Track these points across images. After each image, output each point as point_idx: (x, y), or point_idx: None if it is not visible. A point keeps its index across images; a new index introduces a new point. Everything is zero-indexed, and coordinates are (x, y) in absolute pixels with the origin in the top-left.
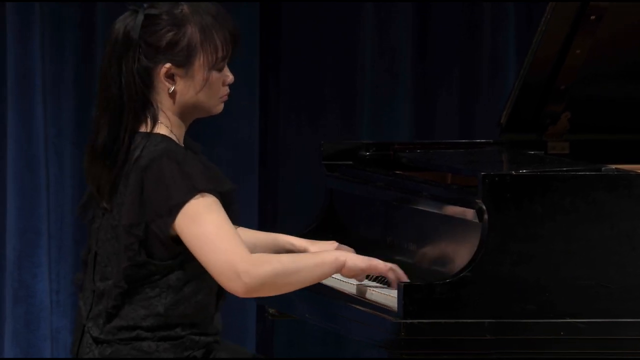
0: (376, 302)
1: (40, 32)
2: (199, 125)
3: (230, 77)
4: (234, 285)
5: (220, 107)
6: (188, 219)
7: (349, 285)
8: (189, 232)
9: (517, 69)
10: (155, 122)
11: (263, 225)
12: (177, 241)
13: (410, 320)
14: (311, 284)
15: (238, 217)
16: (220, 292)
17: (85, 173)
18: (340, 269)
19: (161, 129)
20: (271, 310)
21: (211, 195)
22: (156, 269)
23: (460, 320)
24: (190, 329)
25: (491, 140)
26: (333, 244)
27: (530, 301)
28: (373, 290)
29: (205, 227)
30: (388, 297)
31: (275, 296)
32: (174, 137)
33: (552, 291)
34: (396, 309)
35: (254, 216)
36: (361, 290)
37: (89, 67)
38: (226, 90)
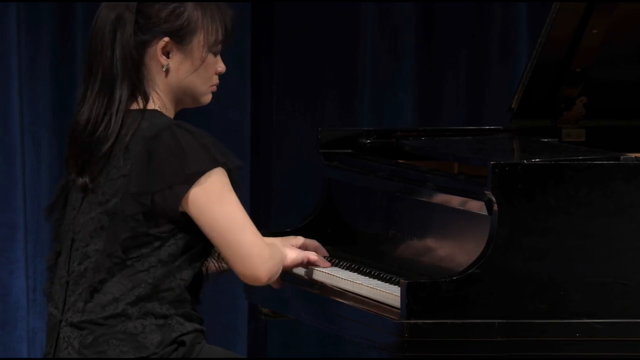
0: (376, 301)
1: (16, 12)
2: (185, 111)
3: (222, 67)
4: (261, 269)
5: (208, 97)
6: (211, 194)
7: (347, 283)
8: (214, 210)
9: (530, 50)
10: (147, 100)
11: (255, 218)
12: (182, 215)
13: (414, 321)
14: None
15: (246, 206)
16: (197, 281)
17: (67, 150)
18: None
19: (157, 108)
20: (264, 310)
21: (225, 172)
22: (149, 243)
23: (468, 321)
24: (175, 310)
25: (501, 127)
26: (298, 239)
27: (543, 300)
28: (372, 287)
29: (232, 206)
30: (390, 295)
31: (269, 294)
32: None
33: (567, 289)
34: (399, 308)
35: (245, 208)
36: (360, 287)
37: (67, 49)
38: (217, 79)
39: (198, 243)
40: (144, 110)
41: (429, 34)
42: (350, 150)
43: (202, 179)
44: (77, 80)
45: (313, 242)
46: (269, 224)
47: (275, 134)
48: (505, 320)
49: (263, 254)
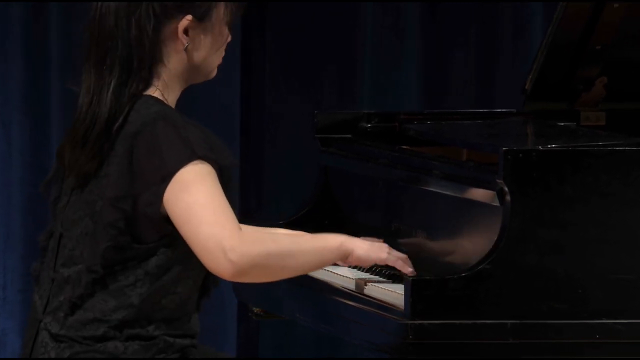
0: (377, 300)
1: None
2: None
3: (229, 36)
4: (220, 264)
5: (215, 72)
6: (178, 186)
7: (346, 280)
8: (176, 201)
9: (545, 26)
10: (148, 84)
11: (245, 210)
12: (167, 220)
13: (419, 321)
14: (309, 271)
15: (235, 199)
16: (204, 289)
17: (65, 141)
18: (345, 257)
19: (154, 92)
20: (256, 309)
21: (209, 165)
22: (135, 254)
23: (478, 321)
24: (165, 328)
25: (514, 110)
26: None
27: (560, 299)
28: (373, 285)
29: (196, 195)
30: (393, 293)
31: (261, 293)
32: (165, 102)
33: (585, 287)
34: (402, 308)
35: (234, 199)
36: (359, 285)
37: (40, 25)
38: (224, 52)
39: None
40: (137, 97)
41: (435, 9)
42: (349, 135)
43: (178, 175)
44: (50, 58)
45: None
46: (260, 215)
47: (268, 117)
48: (518, 321)
49: (222, 247)
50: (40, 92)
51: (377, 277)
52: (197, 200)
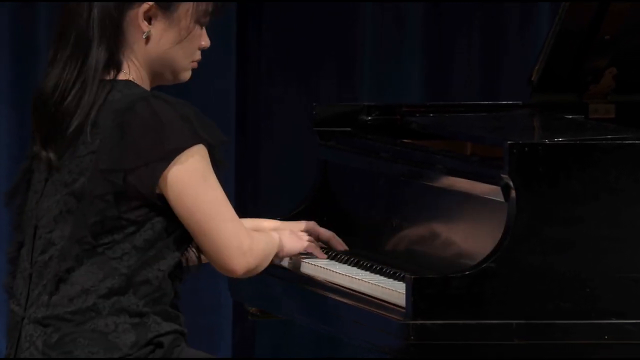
0: (378, 299)
1: None
2: (161, 85)
3: (207, 41)
4: (237, 262)
5: (188, 74)
6: (192, 175)
7: (345, 278)
8: (193, 193)
9: (552, 15)
10: (120, 69)
11: (241, 205)
12: (159, 197)
13: (421, 321)
14: None
15: (227, 182)
16: (175, 272)
17: (32, 120)
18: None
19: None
20: (252, 309)
21: (206, 149)
22: (122, 227)
23: (482, 322)
24: (152, 306)
25: (520, 102)
26: (300, 224)
27: (567, 298)
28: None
29: (215, 190)
30: (394, 292)
31: (258, 292)
32: None
33: (594, 286)
34: (404, 307)
35: (229, 195)
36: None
37: (28, 13)
38: (199, 55)
39: (176, 229)
40: (115, 80)
41: None
42: (349, 129)
43: (183, 156)
44: (39, 48)
45: (326, 232)
46: (255, 211)
47: (264, 110)
48: (523, 321)
49: (242, 246)
50: (28, 83)
51: (377, 275)
52: (217, 196)
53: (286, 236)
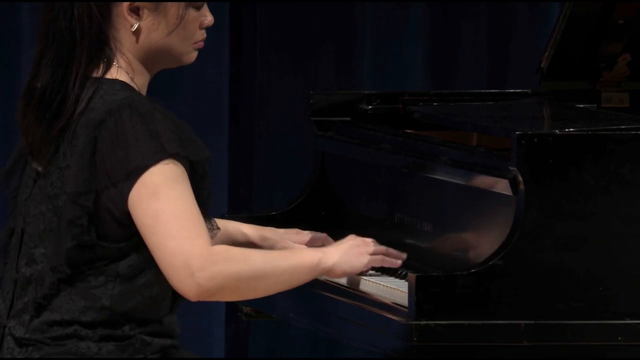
0: (378, 298)
1: None
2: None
3: (209, 19)
4: (186, 284)
5: (193, 56)
6: (145, 189)
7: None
8: (142, 206)
9: None
10: (109, 65)
11: (234, 200)
12: (131, 218)
13: (425, 322)
14: (284, 290)
15: (210, 196)
16: (169, 295)
17: (19, 125)
18: (324, 273)
19: (120, 75)
20: (246, 309)
21: (180, 164)
22: (104, 253)
23: (489, 322)
24: (141, 327)
25: (529, 91)
26: (301, 233)
27: (579, 298)
28: (369, 280)
29: (165, 203)
30: (396, 291)
31: None
32: (134, 87)
33: (607, 285)
34: (406, 307)
35: (223, 189)
36: (354, 281)
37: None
38: (202, 34)
39: None
40: (101, 80)
41: None
42: (348, 118)
43: (147, 174)
44: (22, 38)
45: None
46: (250, 205)
47: (259, 98)
48: (533, 321)
49: (190, 266)
50: (12, 75)
51: (378, 273)
52: (165, 210)
53: (342, 253)
